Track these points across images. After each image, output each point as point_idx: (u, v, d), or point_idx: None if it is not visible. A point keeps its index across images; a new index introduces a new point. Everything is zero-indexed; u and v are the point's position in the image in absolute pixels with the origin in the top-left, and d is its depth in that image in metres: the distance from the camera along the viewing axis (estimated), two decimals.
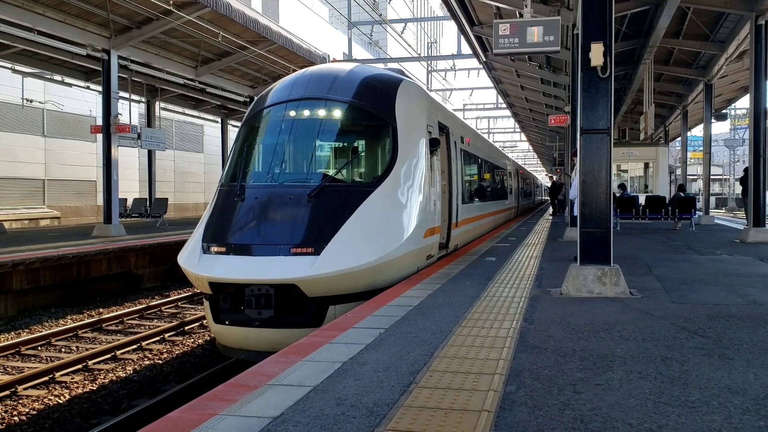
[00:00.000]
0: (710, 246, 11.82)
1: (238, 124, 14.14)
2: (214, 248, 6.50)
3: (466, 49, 22.24)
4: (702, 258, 9.85)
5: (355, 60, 24.89)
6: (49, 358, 8.32)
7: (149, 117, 23.21)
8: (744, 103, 47.70)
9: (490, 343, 4.30)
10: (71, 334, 9.42)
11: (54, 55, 17.53)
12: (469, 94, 40.44)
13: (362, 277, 6.41)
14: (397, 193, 7.23)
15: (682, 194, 17.69)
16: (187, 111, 26.44)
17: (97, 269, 12.21)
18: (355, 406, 3.09)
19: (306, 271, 6.05)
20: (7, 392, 6.76)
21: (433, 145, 8.51)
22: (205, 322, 10.04)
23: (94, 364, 7.92)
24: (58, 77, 20.06)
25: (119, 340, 9.09)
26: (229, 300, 6.38)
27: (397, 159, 7.32)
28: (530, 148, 57.48)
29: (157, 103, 23.10)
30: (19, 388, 6.89)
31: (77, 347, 8.88)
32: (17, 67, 18.67)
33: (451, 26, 68.23)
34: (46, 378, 7.25)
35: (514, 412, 2.98)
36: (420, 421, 2.87)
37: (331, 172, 7.32)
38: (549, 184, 47.54)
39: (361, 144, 7.92)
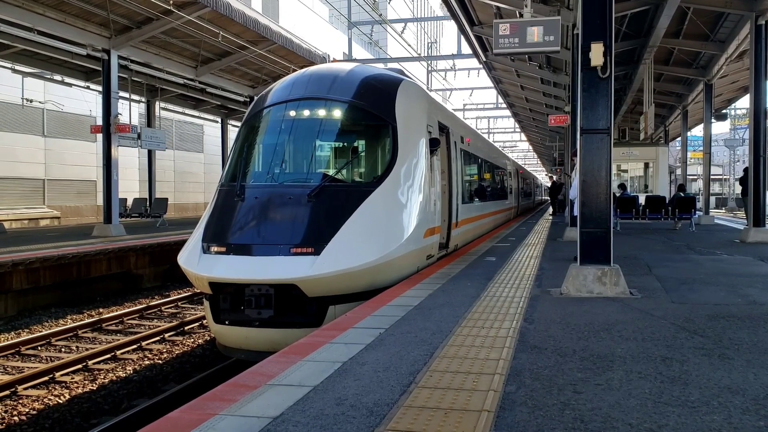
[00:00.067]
0: (710, 246, 11.82)
1: (238, 124, 14.14)
2: (214, 248, 6.50)
3: (466, 49, 22.24)
4: (702, 258, 9.85)
5: (355, 60, 24.90)
6: (49, 358, 8.32)
7: (149, 117, 23.21)
8: (744, 103, 47.75)
9: (490, 343, 4.30)
10: (71, 334, 9.42)
11: (54, 55, 17.53)
12: (469, 94, 40.45)
13: (362, 277, 6.41)
14: (397, 193, 7.23)
15: (682, 194, 17.69)
16: (187, 111, 26.44)
17: (97, 269, 12.21)
18: (355, 406, 3.09)
19: (306, 271, 6.05)
20: (7, 392, 6.77)
21: (433, 145, 8.51)
22: (205, 322, 10.04)
23: (94, 364, 7.92)
24: (58, 77, 20.06)
25: (119, 340, 9.09)
26: (229, 300, 6.38)
27: (397, 159, 7.32)
28: (530, 148, 57.48)
29: (157, 103, 23.10)
30: (19, 388, 6.89)
31: (77, 347, 8.88)
32: (17, 67, 18.66)
33: (451, 26, 68.28)
34: (46, 378, 7.25)
35: (514, 412, 2.98)
36: (420, 421, 2.86)
37: (331, 172, 7.32)
38: (549, 184, 47.54)
39: (361, 144, 7.92)
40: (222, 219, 6.82)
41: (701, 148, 23.73)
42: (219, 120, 28.10)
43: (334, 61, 20.11)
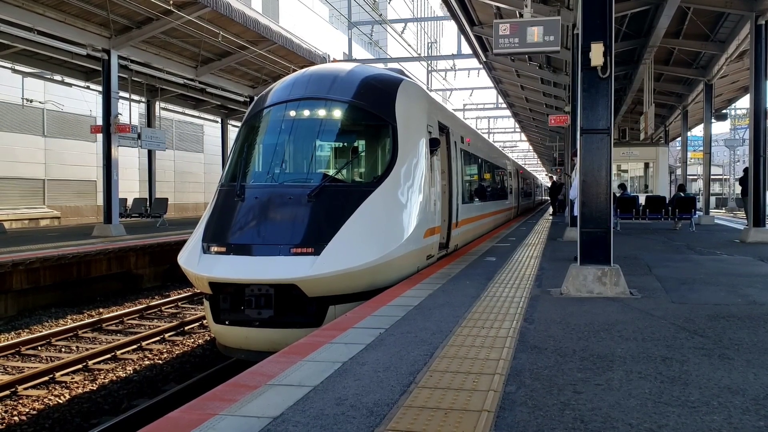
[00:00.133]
0: (710, 246, 11.82)
1: (238, 124, 14.14)
2: (214, 248, 6.50)
3: (466, 49, 22.24)
4: (702, 258, 9.85)
5: (355, 60, 24.89)
6: (49, 358, 8.32)
7: (149, 117, 23.21)
8: (744, 103, 47.72)
9: (490, 343, 4.30)
10: (71, 334, 9.42)
11: (54, 55, 17.53)
12: (469, 94, 40.45)
13: (362, 277, 6.41)
14: (397, 193, 7.23)
15: (682, 194, 17.69)
16: (187, 111, 26.44)
17: (97, 269, 12.21)
18: (355, 406, 3.09)
19: (306, 271, 6.05)
20: (7, 392, 6.77)
21: (433, 145, 8.51)
22: (205, 322, 10.04)
23: (94, 364, 7.92)
24: (58, 77, 20.05)
25: (119, 340, 9.09)
26: (229, 300, 6.38)
27: (397, 159, 7.32)
28: (530, 148, 57.48)
29: (157, 103, 23.10)
30: (19, 388, 6.89)
31: (77, 347, 8.88)
32: (17, 67, 18.66)
33: (451, 26, 68.26)
34: (46, 378, 7.25)
35: (514, 412, 2.98)
36: (420, 421, 2.86)
37: (331, 172, 7.32)
38: (549, 184, 47.53)
39: (361, 144, 7.92)
40: (222, 219, 6.82)
41: (701, 148, 23.73)
42: (219, 120, 28.11)
43: (334, 61, 20.10)
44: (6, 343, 8.54)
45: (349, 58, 27.86)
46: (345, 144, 7.84)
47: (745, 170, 14.73)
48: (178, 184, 30.42)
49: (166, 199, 21.68)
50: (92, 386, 7.11)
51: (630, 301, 5.93)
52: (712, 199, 39.16)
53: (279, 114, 7.69)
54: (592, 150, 6.32)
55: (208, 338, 9.28)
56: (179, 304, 12.01)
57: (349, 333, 4.67)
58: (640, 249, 11.16)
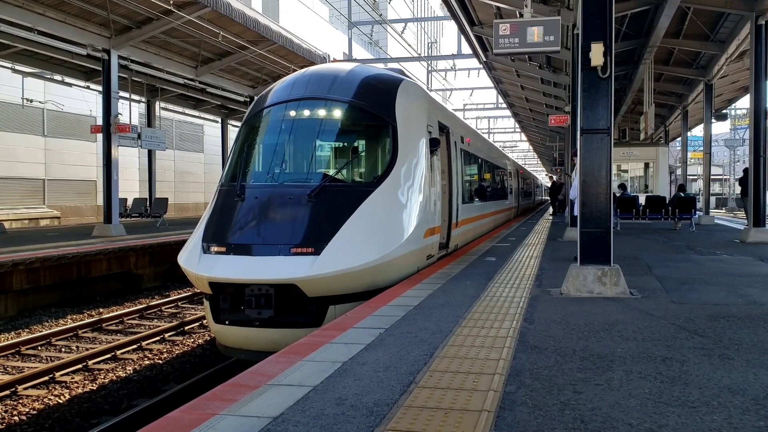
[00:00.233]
0: (710, 246, 11.82)
1: (238, 124, 14.14)
2: (214, 248, 6.50)
3: (466, 49, 22.25)
4: (702, 258, 9.85)
5: (355, 60, 24.89)
6: (49, 358, 8.32)
7: (149, 117, 23.22)
8: (744, 103, 47.74)
9: (490, 343, 4.30)
10: (71, 334, 9.42)
11: (54, 55, 17.53)
12: (469, 94, 40.48)
13: (362, 277, 6.41)
14: (397, 193, 7.23)
15: (682, 194, 17.69)
16: (187, 111, 26.44)
17: (97, 269, 12.21)
18: (355, 406, 3.09)
19: (306, 271, 6.05)
20: (7, 392, 6.77)
21: (433, 145, 8.51)
22: (205, 322, 10.04)
23: (94, 364, 7.92)
24: (58, 77, 20.06)
25: (119, 340, 9.09)
26: (229, 300, 6.38)
27: (397, 159, 7.32)
28: (530, 148, 57.48)
29: (157, 102, 23.10)
30: (19, 387, 6.90)
31: (77, 347, 8.88)
32: (17, 67, 18.67)
33: (451, 26, 68.27)
34: (46, 378, 7.26)
35: (514, 412, 2.98)
36: (420, 421, 2.87)
37: (331, 172, 7.32)
38: (549, 184, 47.53)
39: (361, 144, 7.92)
40: (222, 219, 6.82)
41: (701, 148, 23.74)
42: (219, 120, 28.11)
43: (335, 61, 20.10)
44: (6, 343, 8.54)
45: (349, 58, 27.85)
46: (345, 144, 7.84)
47: (745, 170, 14.74)
48: (178, 184, 30.42)
49: (166, 199, 21.68)
50: (92, 386, 7.11)
51: (630, 301, 5.93)
52: (712, 199, 39.16)
53: (279, 114, 7.69)
54: (592, 150, 6.32)
55: (208, 338, 9.28)
56: (179, 304, 12.01)
57: (349, 333, 4.67)
58: (640, 249, 11.16)
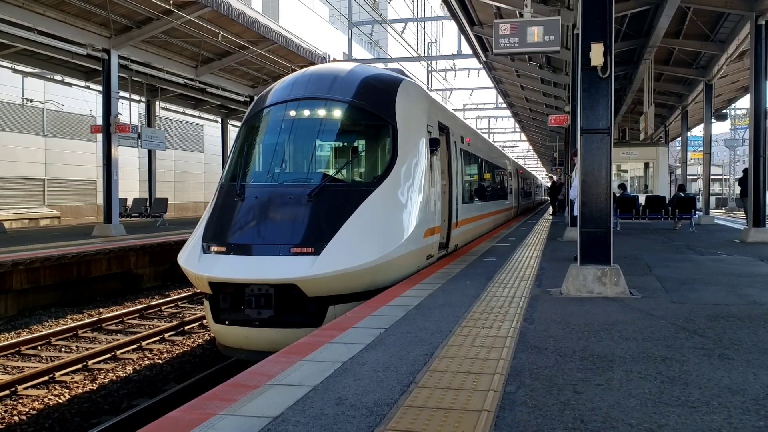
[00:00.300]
0: (710, 246, 11.82)
1: (238, 124, 14.14)
2: (214, 248, 6.50)
3: (466, 49, 22.25)
4: (702, 258, 9.85)
5: (355, 60, 24.89)
6: (49, 358, 8.32)
7: (149, 117, 23.21)
8: (744, 103, 47.71)
9: (490, 343, 4.30)
10: (71, 333, 9.42)
11: (54, 55, 17.52)
12: (469, 94, 40.46)
13: (362, 277, 6.41)
14: (397, 193, 7.23)
15: (682, 194, 17.69)
16: (187, 111, 26.44)
17: (97, 269, 12.21)
18: (355, 405, 3.09)
19: (306, 270, 6.05)
20: (7, 392, 6.77)
21: (433, 145, 8.51)
22: (205, 321, 10.04)
23: (94, 363, 7.92)
24: (58, 77, 20.05)
25: (119, 339, 9.09)
26: (229, 300, 6.38)
27: (397, 159, 7.32)
28: (530, 148, 57.48)
29: (157, 102, 23.09)
30: (19, 387, 6.90)
31: (77, 347, 8.88)
32: (17, 67, 18.67)
33: (451, 26, 68.28)
34: (46, 378, 7.26)
35: (514, 412, 2.98)
36: (420, 421, 2.87)
37: (331, 171, 7.32)
38: (549, 184, 47.53)
39: (361, 144, 7.92)
40: (222, 219, 6.82)
41: (701, 148, 23.74)
42: (219, 120, 28.10)
43: (335, 61, 20.10)
44: (6, 342, 8.54)
45: (349, 58, 27.85)
46: (345, 144, 7.84)
47: (745, 171, 14.74)
48: (178, 184, 30.42)
49: (166, 198, 21.68)
50: (92, 386, 7.11)
51: (630, 301, 5.93)
52: (712, 199, 39.15)
53: (279, 114, 7.69)
54: (592, 150, 6.32)
55: (208, 338, 9.28)
56: (179, 303, 12.01)
57: (349, 333, 4.67)
58: (640, 249, 11.16)
